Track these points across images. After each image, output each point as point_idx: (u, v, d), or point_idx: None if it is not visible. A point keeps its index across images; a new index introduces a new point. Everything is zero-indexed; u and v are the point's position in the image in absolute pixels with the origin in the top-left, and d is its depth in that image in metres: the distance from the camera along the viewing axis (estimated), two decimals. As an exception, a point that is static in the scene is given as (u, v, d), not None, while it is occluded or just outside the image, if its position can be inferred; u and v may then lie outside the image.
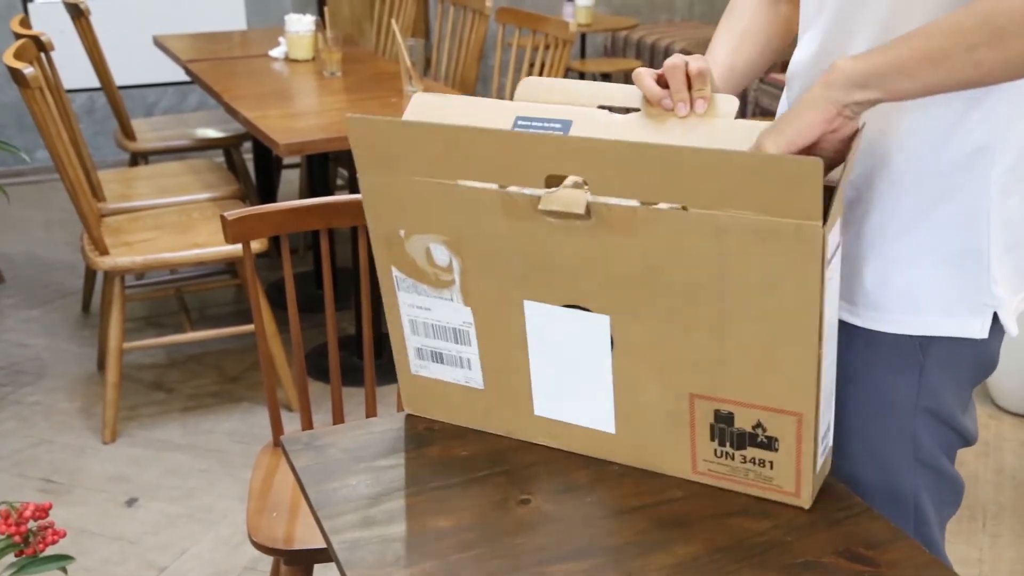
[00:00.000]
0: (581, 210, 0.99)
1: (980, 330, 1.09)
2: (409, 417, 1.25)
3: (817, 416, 0.99)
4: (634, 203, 0.97)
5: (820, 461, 1.03)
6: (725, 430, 1.03)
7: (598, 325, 1.05)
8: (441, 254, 1.09)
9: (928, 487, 1.15)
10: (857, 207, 1.10)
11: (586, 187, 0.98)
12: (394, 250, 1.12)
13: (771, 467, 1.02)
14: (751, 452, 1.03)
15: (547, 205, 1.00)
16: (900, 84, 0.95)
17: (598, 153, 0.96)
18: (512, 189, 1.02)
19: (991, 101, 1.04)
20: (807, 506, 1.03)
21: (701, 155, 0.92)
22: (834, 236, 0.95)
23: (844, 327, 1.10)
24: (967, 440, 1.16)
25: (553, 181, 1.00)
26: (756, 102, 4.48)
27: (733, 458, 1.04)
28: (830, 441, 1.07)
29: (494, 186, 1.02)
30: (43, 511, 1.23)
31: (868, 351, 1.11)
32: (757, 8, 1.24)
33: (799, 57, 1.17)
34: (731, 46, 1.23)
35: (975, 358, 1.12)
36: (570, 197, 0.99)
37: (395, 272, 1.14)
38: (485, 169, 1.02)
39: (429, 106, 1.13)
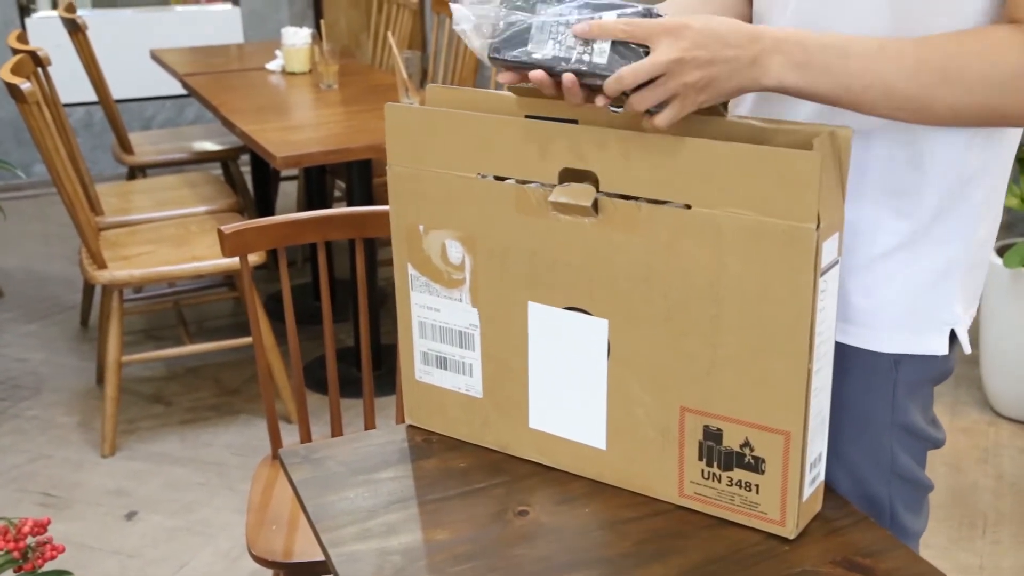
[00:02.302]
0: (589, 202, 1.02)
1: (941, 347, 1.11)
2: (407, 429, 1.25)
3: (805, 437, 0.99)
4: (641, 200, 1.00)
5: (808, 491, 1.03)
6: (713, 448, 1.03)
7: (597, 329, 1.07)
8: (455, 251, 1.13)
9: (904, 498, 1.16)
10: (848, 221, 1.10)
11: (596, 185, 1.02)
12: (412, 246, 1.17)
13: (757, 491, 1.02)
14: (738, 474, 1.03)
15: (557, 197, 1.04)
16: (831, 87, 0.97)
17: (609, 143, 1.00)
18: (526, 186, 1.07)
19: (989, 127, 1.05)
20: (792, 536, 1.02)
21: (704, 147, 0.96)
22: (830, 248, 0.96)
23: None
24: (936, 445, 1.17)
25: (566, 177, 1.04)
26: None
27: (720, 480, 1.04)
28: (821, 475, 1.06)
29: (511, 180, 1.08)
30: (41, 527, 1.24)
31: (842, 368, 1.11)
32: None
33: None
34: (681, 3, 1.19)
35: (940, 370, 1.14)
36: (580, 190, 1.03)
37: (411, 270, 1.18)
38: (504, 161, 1.08)
39: (444, 97, 1.18)
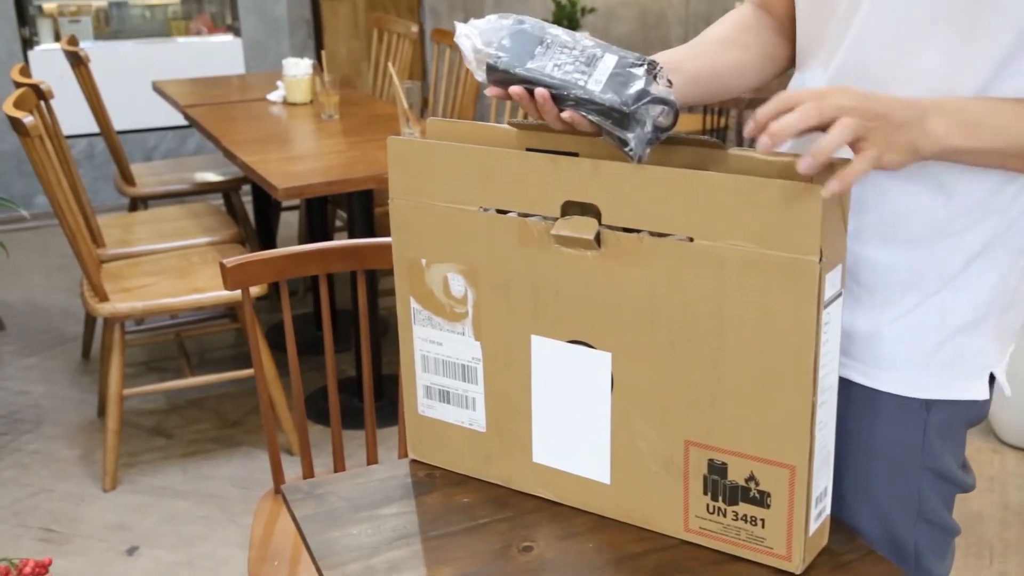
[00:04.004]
0: (591, 235, 1.02)
1: (982, 392, 1.10)
2: (410, 464, 1.24)
3: (810, 471, 0.98)
4: (643, 232, 1.00)
5: (814, 525, 1.02)
6: (718, 482, 1.03)
7: (600, 362, 1.06)
8: (458, 285, 1.13)
9: (930, 542, 1.14)
10: (881, 269, 1.09)
11: (598, 218, 1.02)
12: (415, 279, 1.16)
13: (762, 525, 1.01)
14: (743, 508, 1.02)
15: (560, 230, 1.04)
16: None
17: (611, 175, 1.00)
18: (528, 219, 1.07)
19: None
20: (798, 571, 1.01)
21: (705, 180, 0.96)
22: (833, 280, 0.95)
23: (848, 385, 1.10)
24: (966, 490, 1.16)
25: (569, 210, 1.04)
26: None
27: (725, 514, 1.03)
28: (827, 510, 1.05)
29: (513, 214, 1.08)
30: (43, 567, 1.23)
31: (871, 410, 1.10)
32: (732, 29, 1.21)
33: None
34: (682, 51, 1.19)
35: (974, 413, 1.12)
36: (582, 223, 1.03)
37: (413, 304, 1.17)
38: (506, 194, 1.07)
39: (445, 131, 1.18)
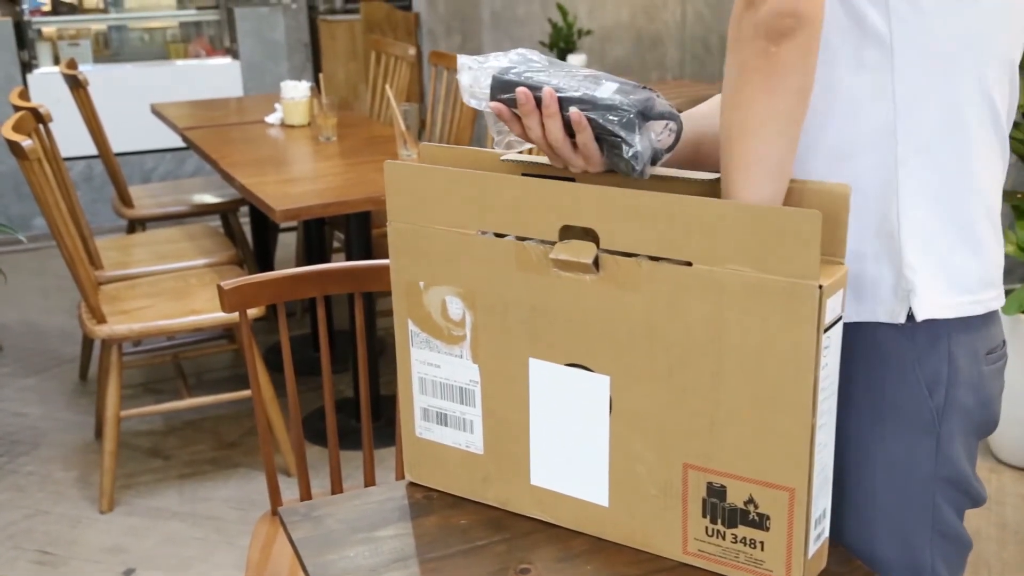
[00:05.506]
0: (590, 259, 1.02)
1: (900, 314, 1.07)
2: (408, 486, 1.24)
3: (810, 494, 0.98)
4: (642, 256, 1.00)
5: (813, 548, 1.02)
6: (717, 505, 1.03)
7: (598, 386, 1.06)
8: (456, 307, 1.13)
9: (944, 555, 1.14)
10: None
11: (596, 242, 1.03)
12: (413, 302, 1.17)
13: (762, 548, 1.02)
14: (742, 531, 1.02)
15: (558, 254, 1.05)
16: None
17: (609, 201, 1.01)
18: (527, 242, 1.07)
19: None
20: None
21: (703, 206, 0.96)
22: (834, 305, 0.96)
23: (856, 399, 1.10)
24: (977, 503, 1.16)
25: (566, 234, 1.05)
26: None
27: (724, 537, 1.03)
28: (826, 532, 1.05)
29: (511, 237, 1.08)
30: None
31: (881, 424, 1.10)
32: (718, 104, 1.25)
33: None
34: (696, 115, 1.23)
35: (983, 418, 1.12)
36: (580, 247, 1.03)
37: (411, 326, 1.17)
38: (504, 218, 1.08)
39: (438, 156, 1.19)
